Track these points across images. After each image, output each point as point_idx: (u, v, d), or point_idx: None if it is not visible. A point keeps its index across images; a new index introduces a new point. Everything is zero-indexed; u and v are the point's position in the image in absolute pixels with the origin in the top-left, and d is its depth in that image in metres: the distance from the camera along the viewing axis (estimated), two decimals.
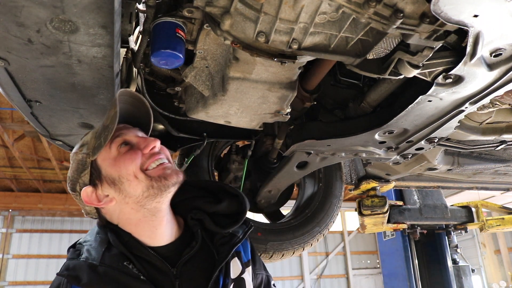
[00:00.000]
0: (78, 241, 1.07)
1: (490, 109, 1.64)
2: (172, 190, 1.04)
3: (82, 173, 1.04)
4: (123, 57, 1.39)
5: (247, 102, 1.47)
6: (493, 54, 1.11)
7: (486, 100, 1.34)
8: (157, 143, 1.08)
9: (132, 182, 1.00)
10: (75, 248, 1.03)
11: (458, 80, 1.23)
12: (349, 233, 13.93)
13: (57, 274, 0.98)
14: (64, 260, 1.03)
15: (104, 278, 0.94)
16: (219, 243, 1.09)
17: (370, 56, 1.21)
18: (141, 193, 1.01)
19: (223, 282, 1.03)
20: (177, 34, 1.17)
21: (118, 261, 0.97)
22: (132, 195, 1.01)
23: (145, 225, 1.03)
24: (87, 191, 1.03)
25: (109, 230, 1.04)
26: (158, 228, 1.04)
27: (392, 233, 5.89)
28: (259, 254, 2.33)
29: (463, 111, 1.42)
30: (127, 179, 1.01)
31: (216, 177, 2.53)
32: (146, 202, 1.01)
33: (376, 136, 1.68)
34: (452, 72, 1.18)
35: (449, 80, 1.23)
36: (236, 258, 1.11)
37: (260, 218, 2.59)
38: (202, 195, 1.19)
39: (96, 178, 1.03)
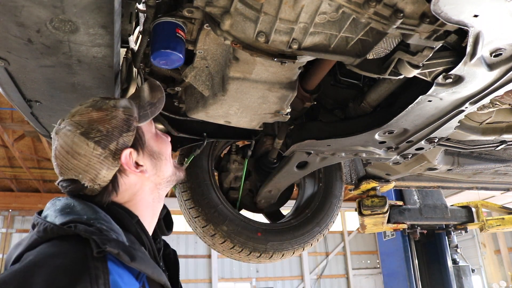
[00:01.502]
0: (70, 218, 0.83)
1: (490, 109, 1.64)
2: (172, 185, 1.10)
3: (125, 134, 0.96)
4: (123, 57, 1.39)
5: (247, 102, 1.47)
6: (493, 54, 1.11)
7: (486, 100, 1.34)
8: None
9: (168, 162, 1.06)
10: (87, 224, 0.80)
11: (458, 80, 1.23)
12: (349, 233, 13.93)
13: (100, 250, 0.73)
14: None
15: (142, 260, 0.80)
16: (158, 247, 1.06)
17: (370, 56, 1.21)
18: (168, 176, 1.05)
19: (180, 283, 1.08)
20: (177, 34, 1.17)
21: (138, 244, 0.88)
22: (161, 175, 1.03)
23: (150, 210, 1.02)
24: (127, 153, 0.95)
25: (118, 208, 0.94)
26: (155, 218, 1.05)
27: (392, 233, 5.89)
28: (259, 254, 2.35)
29: (463, 111, 1.42)
30: (165, 158, 1.05)
31: (216, 177, 2.53)
32: (164, 187, 1.05)
33: (376, 136, 1.68)
34: (452, 72, 1.18)
35: (449, 80, 1.23)
36: None
37: (260, 218, 2.59)
38: None
39: (139, 144, 0.99)
